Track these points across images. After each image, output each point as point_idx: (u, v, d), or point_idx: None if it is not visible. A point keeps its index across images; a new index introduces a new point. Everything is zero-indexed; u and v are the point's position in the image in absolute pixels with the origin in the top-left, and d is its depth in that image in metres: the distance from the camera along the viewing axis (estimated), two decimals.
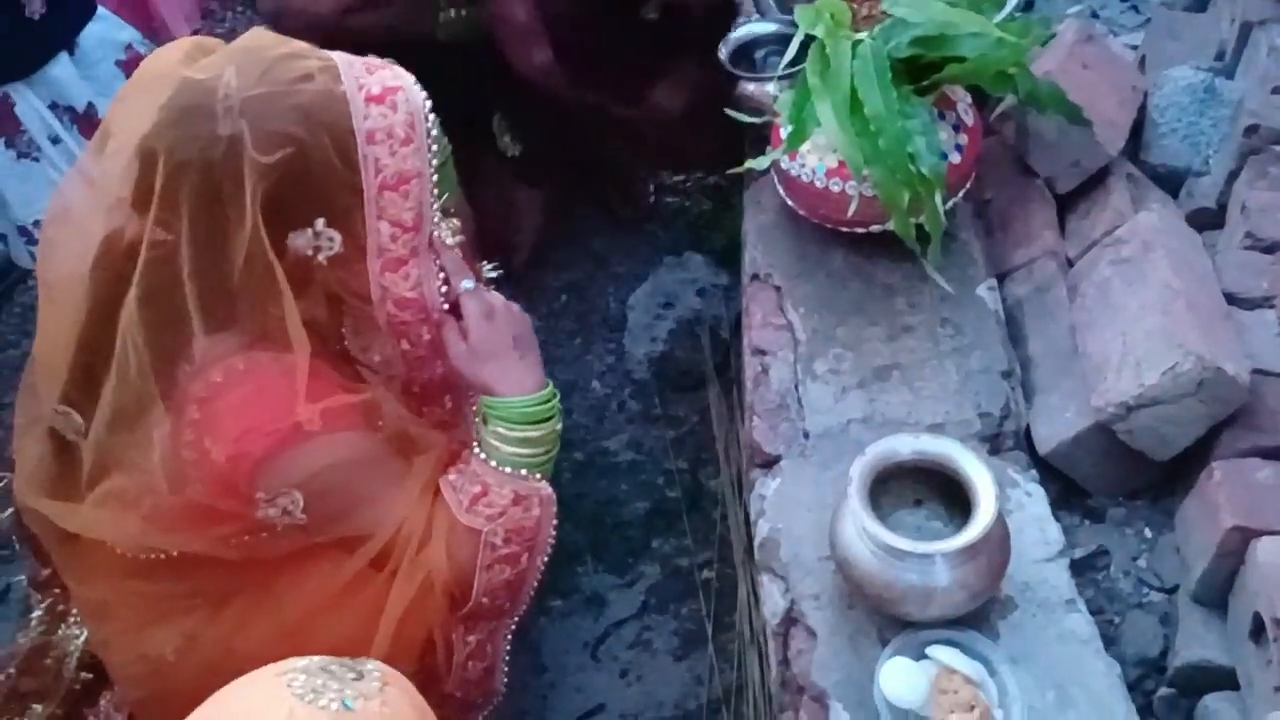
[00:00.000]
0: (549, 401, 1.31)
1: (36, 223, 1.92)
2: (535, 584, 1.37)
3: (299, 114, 1.15)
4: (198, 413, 1.19)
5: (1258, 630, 1.17)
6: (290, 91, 1.16)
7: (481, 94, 1.96)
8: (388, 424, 1.28)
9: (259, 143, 1.14)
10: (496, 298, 1.32)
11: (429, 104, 1.21)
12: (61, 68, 1.87)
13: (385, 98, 1.19)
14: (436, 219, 1.24)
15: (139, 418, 1.21)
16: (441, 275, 1.26)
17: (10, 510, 1.50)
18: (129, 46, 1.92)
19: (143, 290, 1.17)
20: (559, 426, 1.33)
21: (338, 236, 1.19)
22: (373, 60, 1.22)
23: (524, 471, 1.30)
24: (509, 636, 1.45)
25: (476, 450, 1.32)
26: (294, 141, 1.15)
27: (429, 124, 1.21)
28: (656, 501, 1.98)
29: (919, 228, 1.42)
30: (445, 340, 1.29)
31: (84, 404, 1.24)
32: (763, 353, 1.52)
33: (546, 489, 1.33)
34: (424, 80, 1.23)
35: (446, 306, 1.28)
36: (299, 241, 1.19)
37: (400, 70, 1.23)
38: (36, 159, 1.87)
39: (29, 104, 1.83)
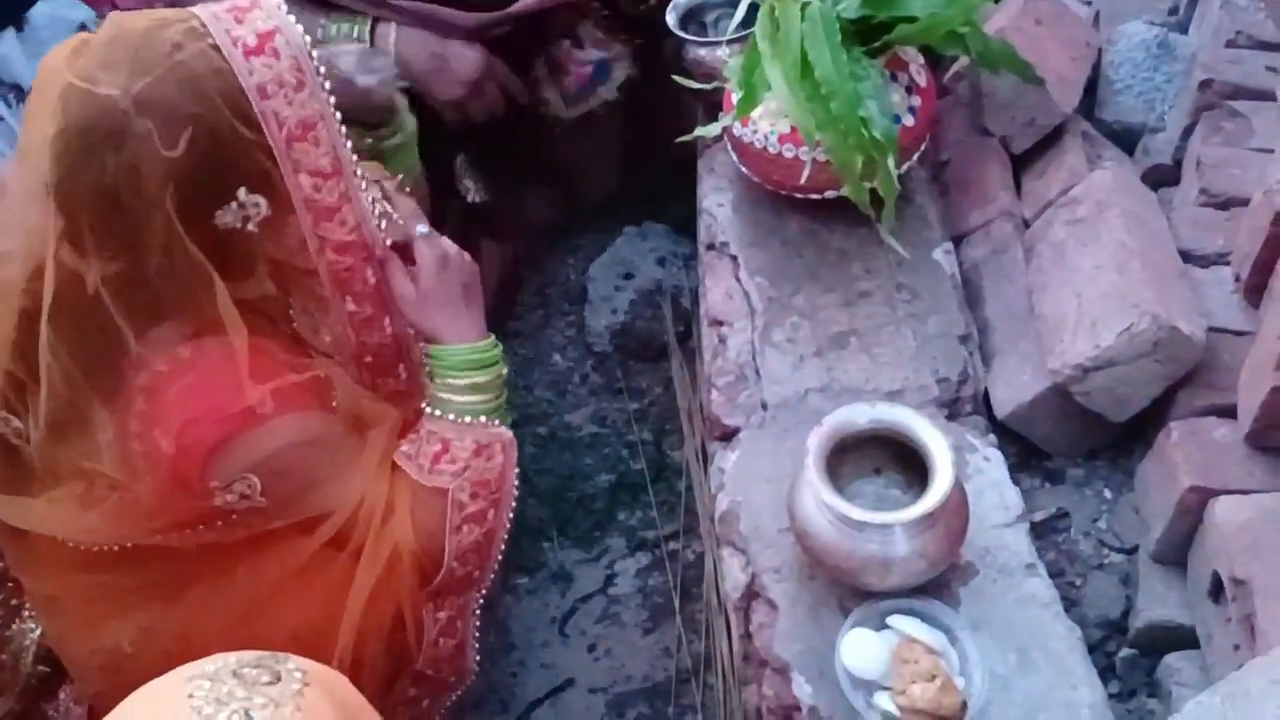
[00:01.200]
0: (492, 350, 1.33)
1: None
2: (502, 548, 1.35)
3: (189, 91, 1.11)
4: (144, 404, 1.17)
5: (1216, 589, 1.17)
6: (169, 69, 1.11)
7: (441, 133, 1.90)
8: (340, 401, 1.26)
9: (164, 137, 1.10)
10: (450, 245, 1.32)
11: (308, 39, 1.18)
12: (8, 44, 1.81)
13: (264, 46, 1.15)
14: (355, 158, 1.21)
15: (80, 427, 1.19)
16: (378, 211, 1.25)
17: None
18: (82, 26, 1.87)
19: (58, 308, 1.14)
20: (504, 371, 1.34)
21: (263, 200, 1.16)
22: (239, 2, 1.17)
23: (482, 419, 1.31)
24: (477, 612, 1.44)
25: (430, 410, 1.31)
26: (193, 120, 1.11)
27: (314, 61, 1.17)
28: (621, 474, 1.96)
29: (873, 192, 1.41)
30: (391, 281, 1.28)
31: (22, 412, 1.21)
32: (720, 323, 1.51)
33: (507, 433, 1.33)
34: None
35: (389, 242, 1.27)
36: (226, 218, 1.15)
37: (272, 6, 1.17)
38: None
39: None
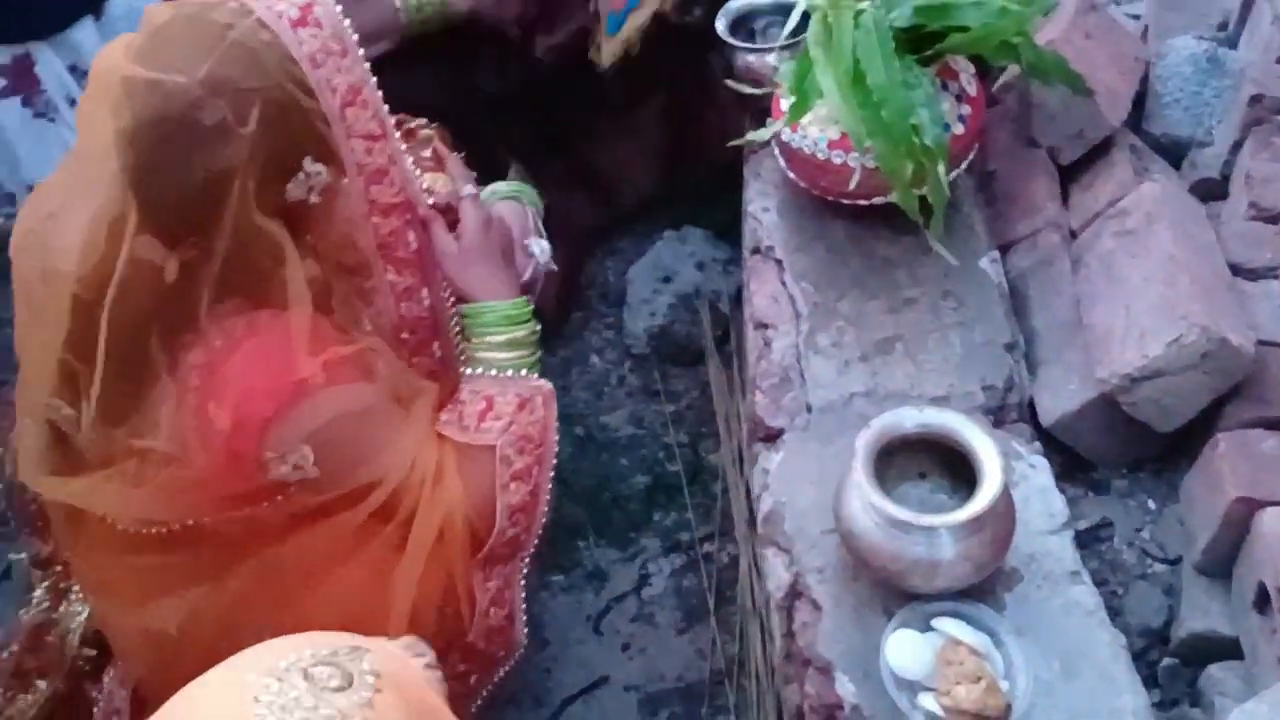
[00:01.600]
0: (525, 307, 1.38)
1: None
2: (546, 509, 1.38)
3: (248, 66, 1.14)
4: (198, 380, 1.18)
5: (1262, 600, 1.17)
6: (227, 48, 1.14)
7: (498, 136, 1.92)
8: (382, 376, 1.28)
9: (236, 115, 1.12)
10: (492, 209, 1.38)
11: (339, 6, 1.21)
12: (85, 32, 1.85)
13: (306, 18, 1.18)
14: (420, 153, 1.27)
15: (135, 406, 1.21)
16: (421, 177, 1.29)
17: (2, 484, 1.49)
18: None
19: (124, 295, 1.17)
20: (537, 327, 1.39)
21: (324, 168, 1.20)
22: None
23: (523, 372, 1.35)
24: (523, 582, 1.46)
25: (468, 370, 1.35)
26: (258, 94, 1.14)
27: (346, 24, 1.21)
28: (657, 476, 1.98)
29: (921, 199, 1.42)
30: (435, 236, 1.33)
31: (74, 400, 1.23)
32: (765, 326, 1.52)
33: (547, 385, 1.37)
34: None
35: (431, 202, 1.32)
36: (296, 190, 1.18)
37: None
38: (52, 120, 1.85)
39: (49, 64, 1.81)
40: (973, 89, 1.49)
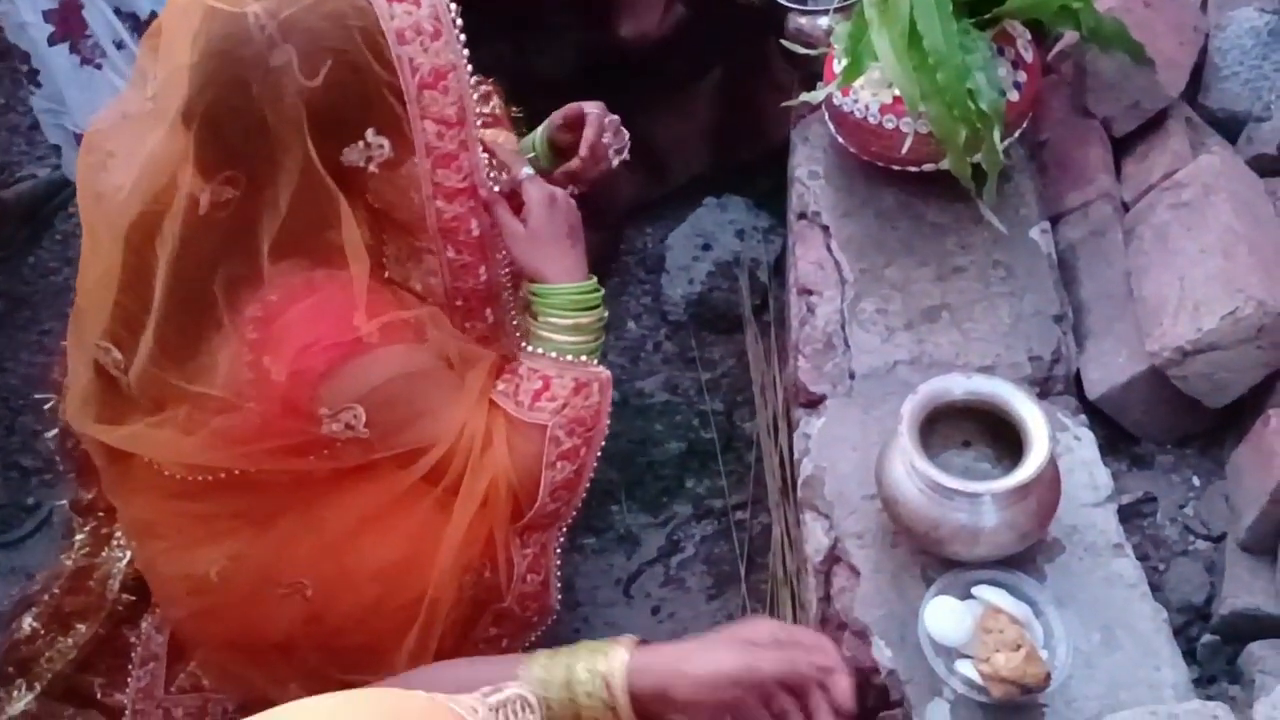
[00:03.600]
0: (595, 291, 1.36)
1: None
2: (587, 485, 1.39)
3: (332, 24, 1.14)
4: (255, 333, 1.19)
5: None
6: (316, 4, 1.14)
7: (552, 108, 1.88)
8: (437, 341, 1.29)
9: (305, 66, 1.12)
10: (556, 188, 1.36)
11: None
12: None
13: None
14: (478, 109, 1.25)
15: (189, 353, 1.21)
16: (489, 164, 1.27)
17: (55, 431, 1.51)
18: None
19: (188, 234, 1.17)
20: (605, 314, 1.38)
21: (387, 143, 1.19)
22: None
23: (583, 358, 1.34)
24: (559, 550, 1.46)
25: (529, 348, 1.34)
26: (334, 54, 1.14)
27: (452, 14, 1.20)
28: (691, 442, 1.97)
29: (974, 167, 1.40)
30: (500, 220, 1.31)
31: (126, 340, 1.24)
32: (809, 292, 1.51)
33: (605, 373, 1.36)
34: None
35: (497, 189, 1.30)
36: (352, 156, 1.18)
37: None
38: (99, 65, 1.86)
39: (96, 8, 1.83)
40: (1029, 55, 1.47)
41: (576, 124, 1.47)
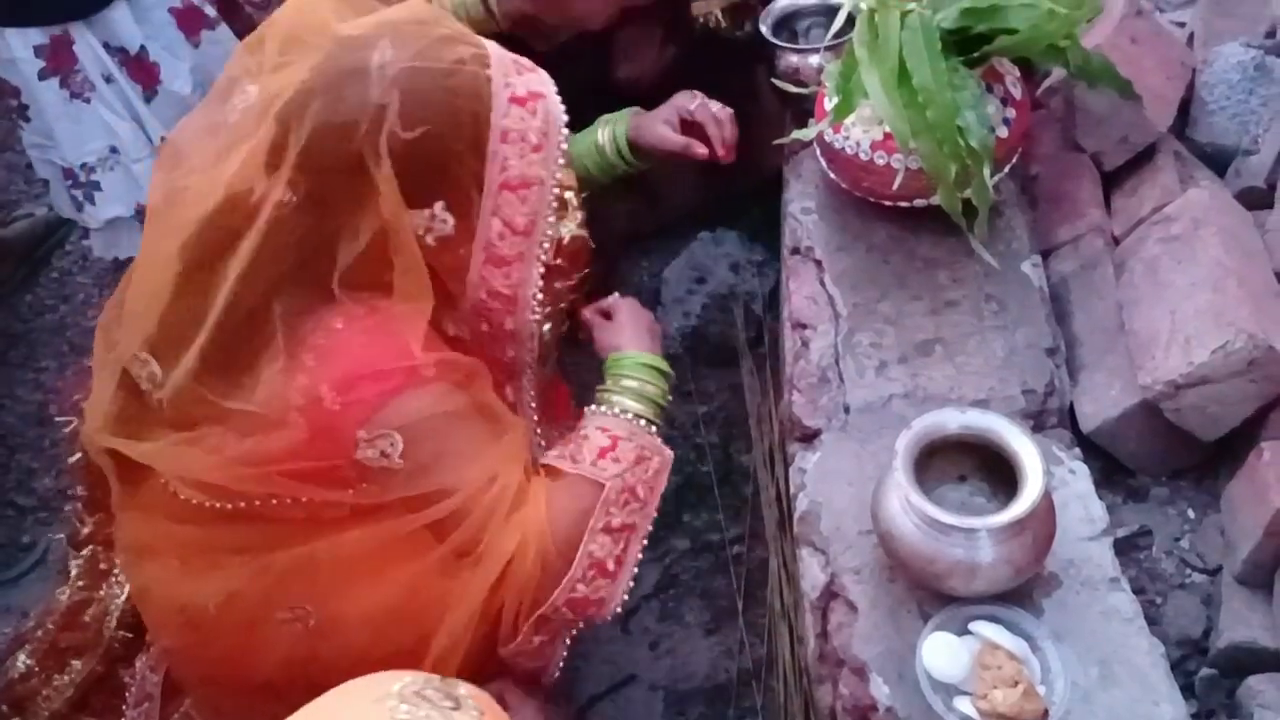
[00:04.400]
0: (666, 366, 1.41)
1: (84, 165, 1.93)
2: (626, 590, 1.30)
3: (445, 96, 1.16)
4: (314, 361, 1.18)
5: None
6: (442, 73, 1.16)
7: None
8: (479, 392, 1.27)
9: (405, 117, 1.14)
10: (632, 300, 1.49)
11: (566, 118, 1.23)
12: (119, 10, 1.89)
13: (527, 102, 1.20)
14: (550, 233, 1.25)
15: (235, 369, 1.20)
16: (539, 285, 1.28)
17: (79, 455, 1.49)
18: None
19: (269, 252, 1.17)
20: (668, 399, 1.40)
21: (452, 221, 1.20)
22: (524, 61, 1.24)
23: (652, 428, 1.34)
24: (569, 641, 1.39)
25: (597, 409, 1.35)
26: (435, 122, 1.15)
27: (562, 138, 1.23)
28: (687, 476, 1.98)
29: (964, 202, 1.41)
30: (585, 319, 1.45)
31: (166, 353, 1.23)
32: (803, 326, 1.52)
33: (669, 451, 1.35)
34: None
35: (538, 318, 1.31)
36: (415, 221, 1.18)
37: (547, 78, 1.24)
38: (88, 100, 1.87)
39: (86, 42, 1.85)
40: (1018, 92, 1.49)
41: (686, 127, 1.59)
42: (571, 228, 1.48)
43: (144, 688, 1.49)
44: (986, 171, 1.37)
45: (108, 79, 1.90)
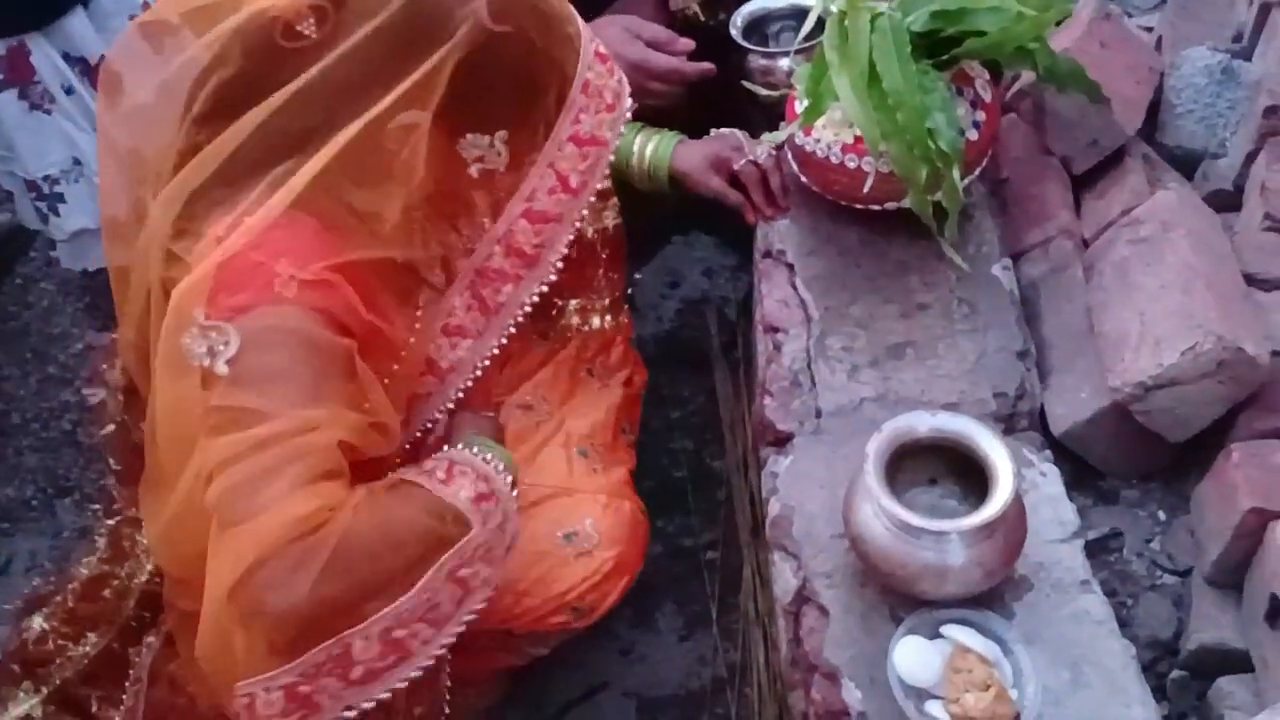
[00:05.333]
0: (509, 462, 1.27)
1: (46, 177, 1.90)
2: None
3: (538, 14, 1.14)
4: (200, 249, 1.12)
5: (1273, 613, 1.16)
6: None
7: None
8: (349, 342, 1.14)
9: (494, 11, 1.09)
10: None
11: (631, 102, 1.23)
12: (77, 20, 1.86)
13: (607, 60, 1.19)
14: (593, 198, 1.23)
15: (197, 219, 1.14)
16: (562, 254, 1.23)
17: (110, 428, 1.45)
18: (144, 5, 1.91)
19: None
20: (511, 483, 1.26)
21: (506, 155, 1.16)
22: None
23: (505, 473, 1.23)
24: None
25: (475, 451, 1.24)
26: (522, 30, 1.12)
27: (628, 106, 1.22)
28: (660, 481, 1.96)
29: (935, 205, 1.41)
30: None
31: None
32: (775, 330, 1.51)
33: (516, 515, 1.23)
34: None
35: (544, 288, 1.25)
36: (471, 149, 1.15)
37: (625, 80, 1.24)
38: (48, 111, 1.85)
39: (44, 53, 1.82)
40: (987, 95, 1.49)
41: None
42: (613, 215, 1.45)
43: (139, 671, 1.47)
44: (956, 174, 1.37)
45: (68, 90, 1.87)
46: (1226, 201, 1.51)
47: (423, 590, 1.11)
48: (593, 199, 1.23)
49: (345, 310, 1.12)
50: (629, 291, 1.69)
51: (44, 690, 1.41)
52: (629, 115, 1.22)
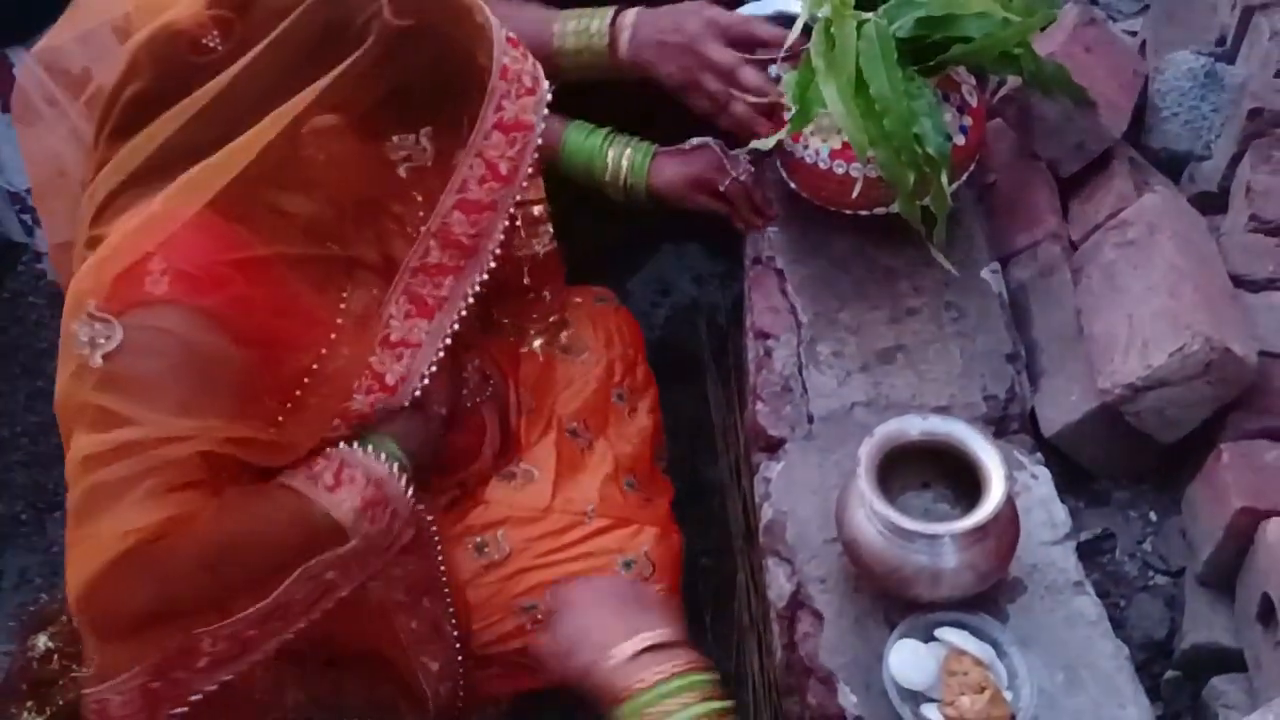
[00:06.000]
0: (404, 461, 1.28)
1: (30, 190, 1.89)
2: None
3: (444, 8, 1.13)
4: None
5: (1266, 612, 1.17)
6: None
7: None
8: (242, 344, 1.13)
9: (398, 6, 1.09)
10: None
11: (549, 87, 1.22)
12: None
13: (519, 44, 1.18)
14: (525, 185, 1.21)
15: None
16: (500, 241, 1.23)
17: None
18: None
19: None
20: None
21: (431, 150, 1.15)
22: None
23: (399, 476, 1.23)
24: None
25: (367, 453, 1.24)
26: (431, 25, 1.11)
27: (546, 88, 1.21)
28: None
29: (923, 210, 1.42)
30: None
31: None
32: (765, 336, 1.51)
33: (409, 505, 1.25)
34: None
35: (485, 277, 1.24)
36: (398, 150, 1.14)
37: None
38: (32, 124, 1.84)
39: (28, 65, 1.82)
40: (974, 100, 1.50)
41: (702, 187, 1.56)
42: (545, 242, 1.45)
43: None
44: (944, 179, 1.37)
45: (51, 103, 1.86)
46: (1212, 203, 1.52)
47: (280, 597, 1.15)
48: (524, 184, 1.23)
49: (239, 310, 1.11)
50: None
51: (48, 710, 1.40)
52: (549, 98, 1.21)
